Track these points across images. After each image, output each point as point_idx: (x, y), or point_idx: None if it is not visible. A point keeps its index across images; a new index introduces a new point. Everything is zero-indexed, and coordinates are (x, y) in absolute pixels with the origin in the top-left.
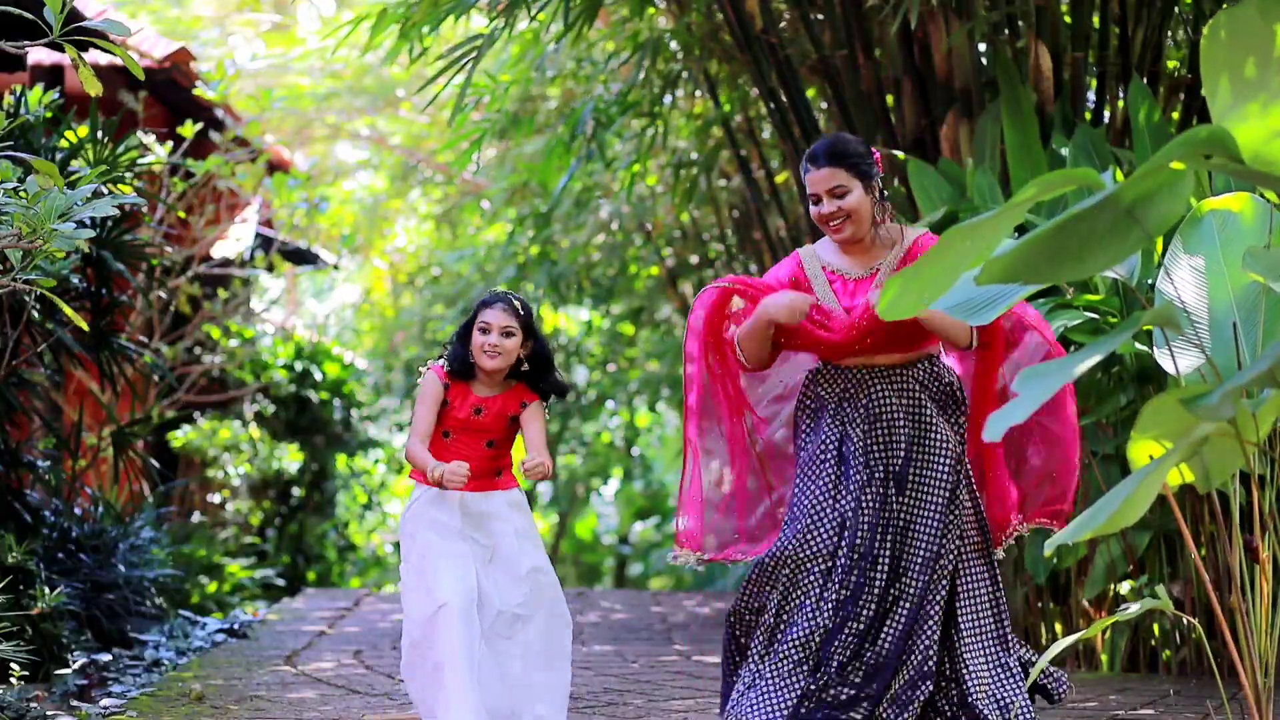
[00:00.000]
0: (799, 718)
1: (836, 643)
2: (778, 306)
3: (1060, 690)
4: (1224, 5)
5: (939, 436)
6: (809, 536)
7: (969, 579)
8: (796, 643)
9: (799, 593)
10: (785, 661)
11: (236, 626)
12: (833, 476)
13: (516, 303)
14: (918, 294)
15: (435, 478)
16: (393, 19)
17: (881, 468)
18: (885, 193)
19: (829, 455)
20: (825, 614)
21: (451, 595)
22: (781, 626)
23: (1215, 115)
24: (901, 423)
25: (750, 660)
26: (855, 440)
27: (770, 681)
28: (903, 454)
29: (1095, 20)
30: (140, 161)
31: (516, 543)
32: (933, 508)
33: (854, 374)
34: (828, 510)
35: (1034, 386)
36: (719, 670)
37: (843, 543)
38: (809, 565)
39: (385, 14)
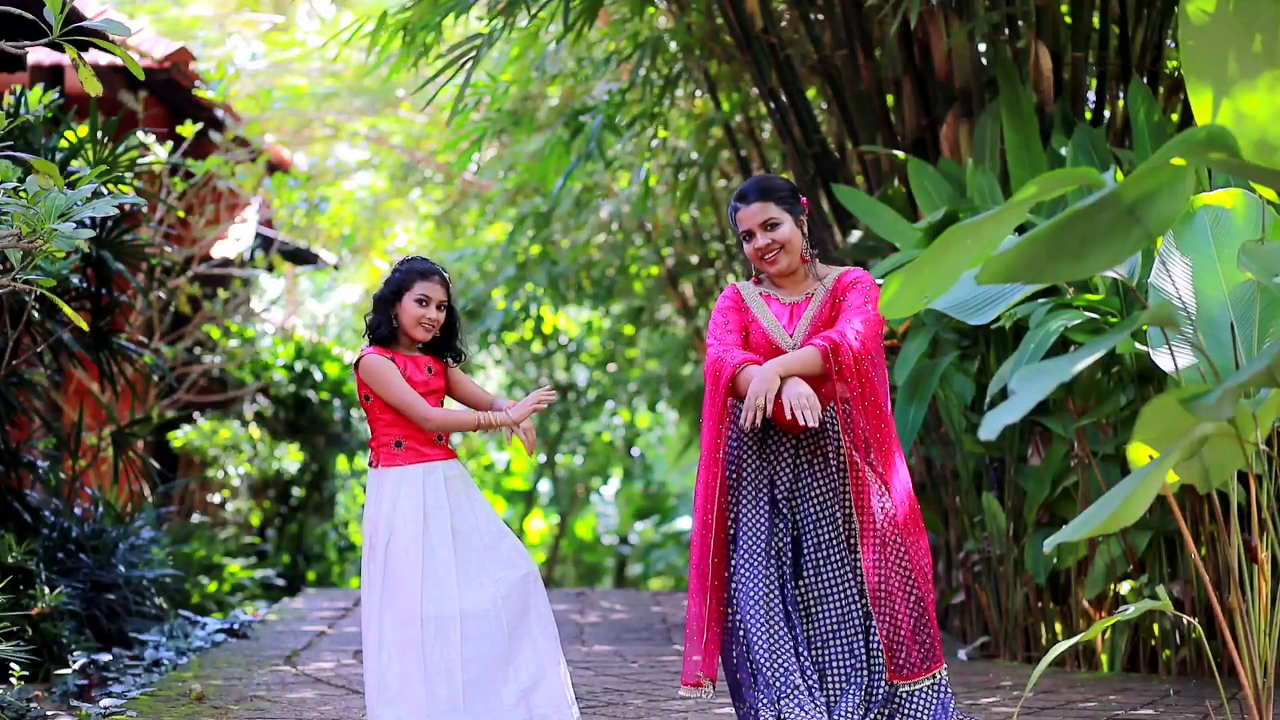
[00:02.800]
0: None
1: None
2: (764, 381)
3: None
4: None
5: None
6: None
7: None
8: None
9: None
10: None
11: (236, 626)
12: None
13: (443, 274)
14: (918, 292)
15: (515, 418)
16: (395, 24)
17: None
18: (809, 232)
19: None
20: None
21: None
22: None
23: (1195, 107)
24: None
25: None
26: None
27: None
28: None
29: (1095, 20)
30: (140, 161)
31: (480, 512)
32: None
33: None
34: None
35: (1031, 385)
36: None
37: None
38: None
39: (385, 18)
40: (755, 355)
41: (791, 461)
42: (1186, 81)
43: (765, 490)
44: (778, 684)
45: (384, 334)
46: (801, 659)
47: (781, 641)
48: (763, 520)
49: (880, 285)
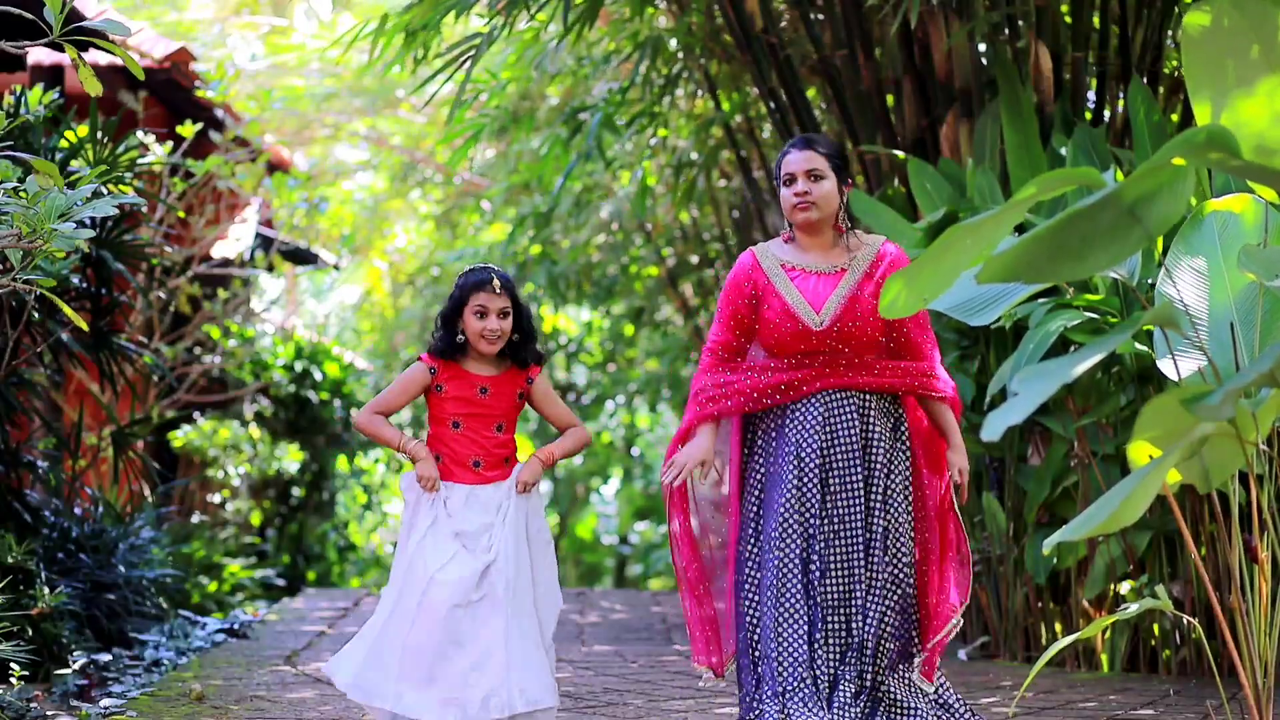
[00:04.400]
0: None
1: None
2: (689, 456)
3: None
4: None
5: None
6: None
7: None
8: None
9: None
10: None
11: (236, 626)
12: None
13: (503, 281)
14: (919, 293)
15: (417, 457)
16: (397, 26)
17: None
18: (849, 207)
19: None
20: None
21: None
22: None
23: (1196, 110)
24: (859, 433)
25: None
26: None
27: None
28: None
29: (1095, 20)
30: (140, 161)
31: (515, 547)
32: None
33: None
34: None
35: (1033, 386)
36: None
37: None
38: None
39: (387, 20)
40: (733, 404)
41: (820, 434)
42: (1188, 87)
43: (791, 465)
44: (784, 677)
45: (439, 348)
46: (815, 646)
47: (794, 628)
48: (790, 498)
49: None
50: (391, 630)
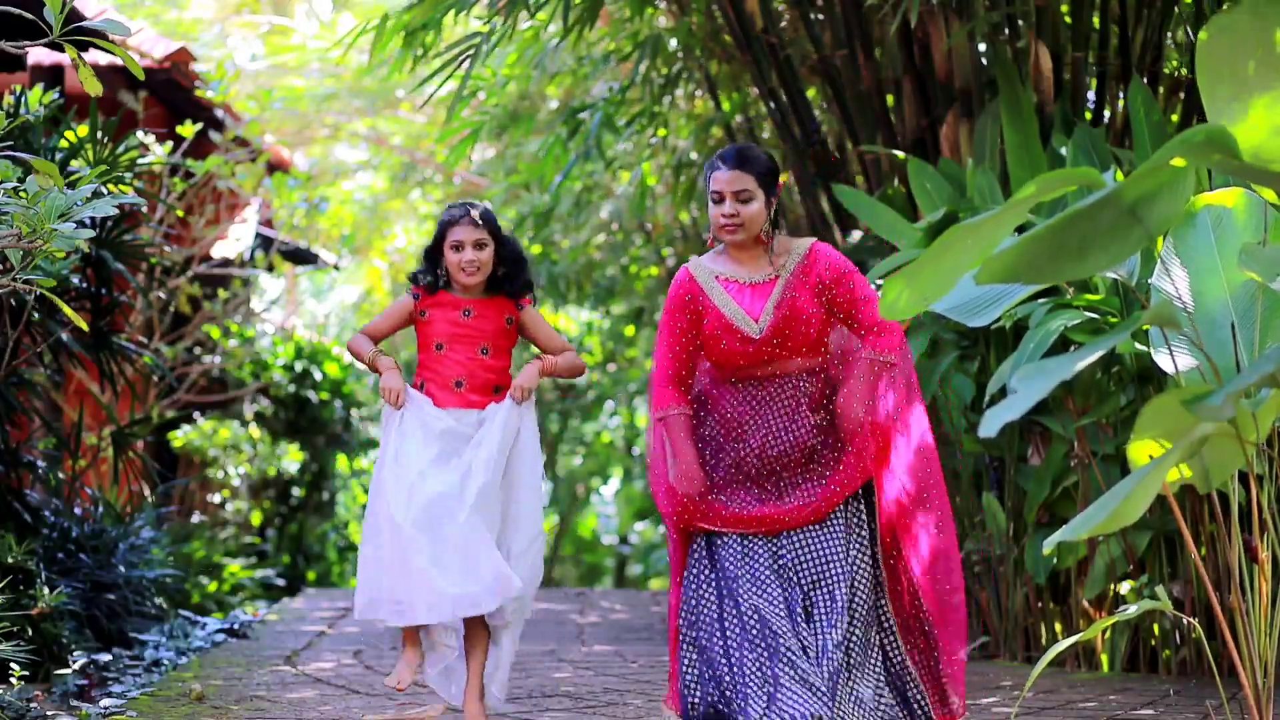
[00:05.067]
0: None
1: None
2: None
3: None
4: (1224, 5)
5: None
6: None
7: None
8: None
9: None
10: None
11: (236, 626)
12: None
13: (479, 213)
14: (919, 293)
15: (384, 369)
16: (396, 26)
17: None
18: (780, 213)
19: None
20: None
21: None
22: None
23: (1211, 116)
24: (804, 427)
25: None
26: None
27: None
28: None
29: (1095, 20)
30: (140, 161)
31: (496, 454)
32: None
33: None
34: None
35: (1031, 384)
36: None
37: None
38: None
39: (387, 20)
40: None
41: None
42: (1202, 95)
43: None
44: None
45: (424, 281)
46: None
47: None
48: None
49: (853, 265)
50: (372, 548)
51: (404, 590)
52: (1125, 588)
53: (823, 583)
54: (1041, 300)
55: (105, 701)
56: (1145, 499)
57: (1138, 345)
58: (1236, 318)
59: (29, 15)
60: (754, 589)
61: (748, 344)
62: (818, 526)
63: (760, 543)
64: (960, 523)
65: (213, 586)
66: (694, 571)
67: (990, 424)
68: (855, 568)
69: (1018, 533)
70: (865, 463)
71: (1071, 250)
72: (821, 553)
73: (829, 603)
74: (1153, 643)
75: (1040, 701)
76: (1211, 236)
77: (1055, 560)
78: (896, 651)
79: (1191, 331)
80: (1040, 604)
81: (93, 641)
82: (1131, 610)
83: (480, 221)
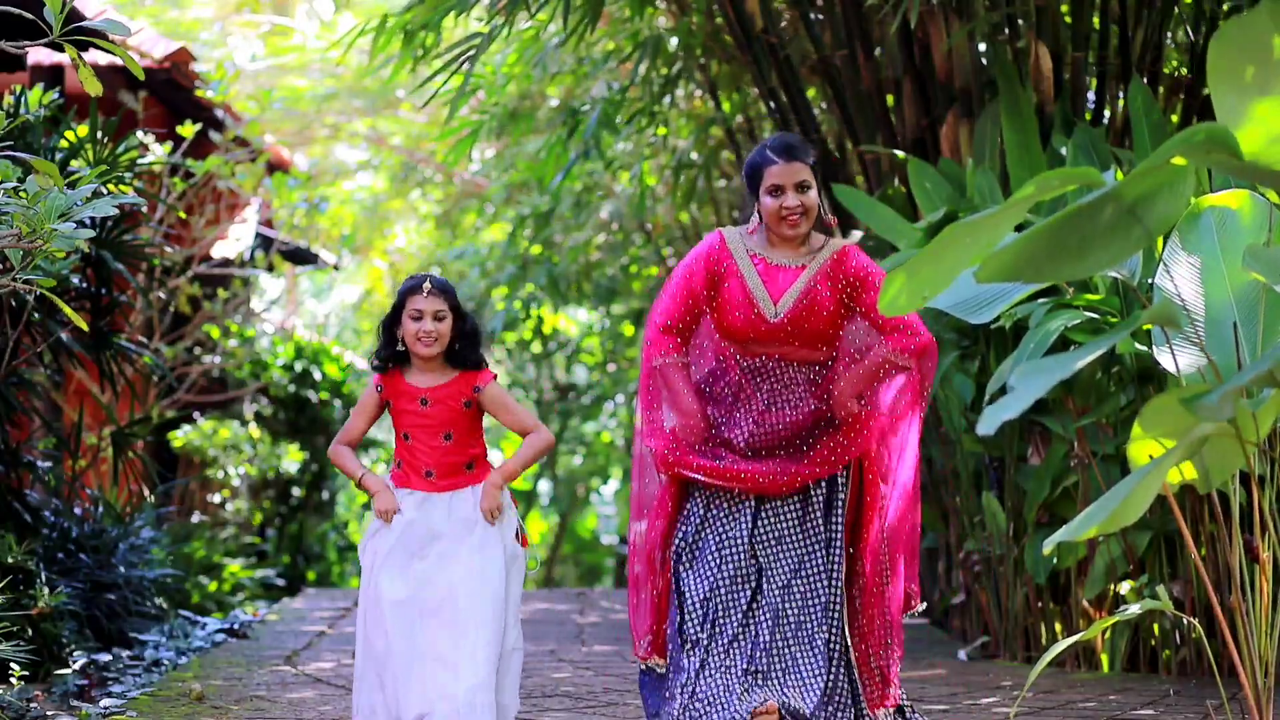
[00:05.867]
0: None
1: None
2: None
3: None
4: (1224, 6)
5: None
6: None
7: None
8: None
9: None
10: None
11: (236, 626)
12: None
13: (436, 285)
14: (918, 290)
15: (373, 491)
16: (397, 25)
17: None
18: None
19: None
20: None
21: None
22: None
23: (1220, 118)
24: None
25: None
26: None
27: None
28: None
29: (1095, 20)
30: (140, 161)
31: (480, 562)
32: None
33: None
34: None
35: (1030, 382)
36: None
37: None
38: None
39: (387, 20)
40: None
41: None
42: (1213, 99)
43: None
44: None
45: (381, 357)
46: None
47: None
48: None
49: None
50: (360, 650)
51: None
52: (1125, 588)
53: (802, 570)
54: (1041, 300)
55: (105, 701)
56: (1145, 499)
57: (1138, 345)
58: (1240, 318)
59: (29, 15)
60: (720, 559)
61: (761, 323)
62: (799, 509)
63: (745, 514)
64: (960, 523)
65: (213, 586)
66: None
67: (988, 422)
68: (833, 554)
69: (1018, 533)
70: (852, 446)
71: (1072, 249)
72: (801, 538)
73: (807, 586)
74: (1153, 643)
75: (1040, 701)
76: (1215, 237)
77: (1055, 560)
78: (840, 637)
79: (1193, 332)
80: (1040, 604)
81: (93, 641)
82: (1131, 610)
83: (440, 292)
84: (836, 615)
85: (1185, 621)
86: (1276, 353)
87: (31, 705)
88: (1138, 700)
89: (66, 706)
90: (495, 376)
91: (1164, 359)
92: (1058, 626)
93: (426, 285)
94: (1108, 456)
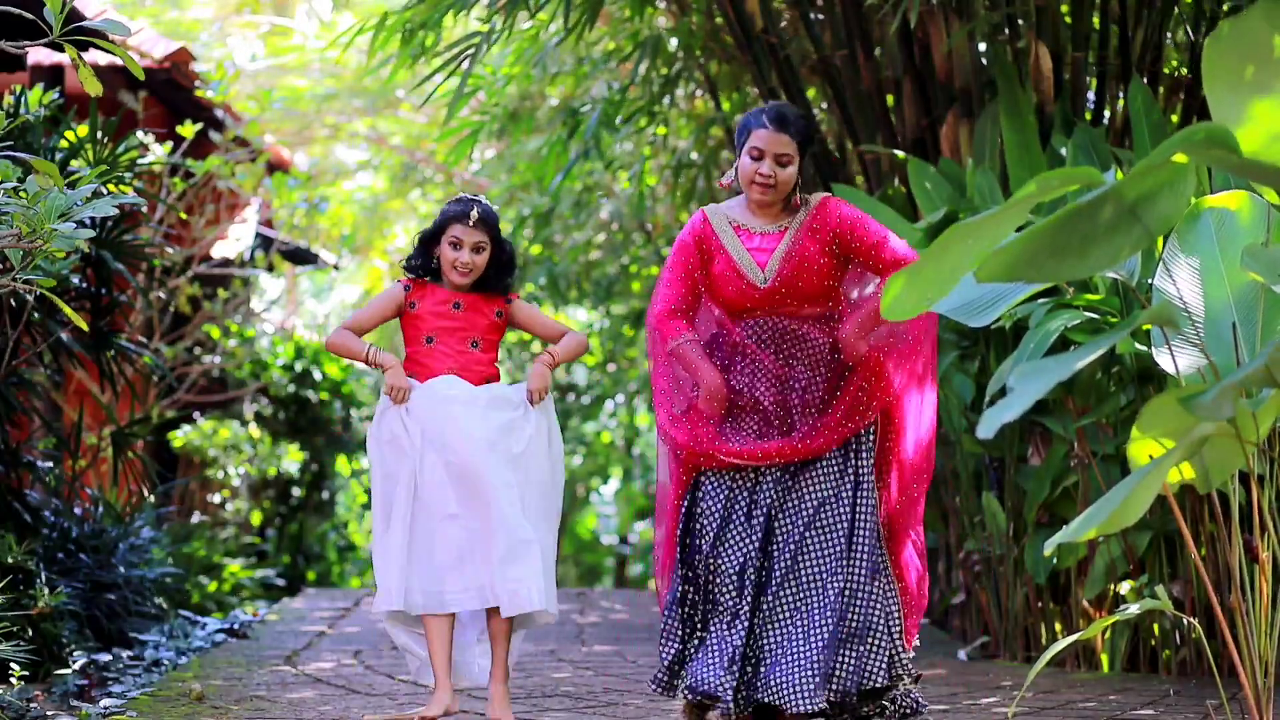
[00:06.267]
0: None
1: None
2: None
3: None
4: (1224, 6)
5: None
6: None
7: None
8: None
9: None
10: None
11: (236, 626)
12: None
13: (481, 213)
14: (920, 293)
15: (387, 365)
16: (397, 24)
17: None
18: (803, 179)
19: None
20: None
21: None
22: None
23: (1218, 118)
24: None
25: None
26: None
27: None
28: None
29: (1095, 20)
30: (140, 161)
31: (528, 450)
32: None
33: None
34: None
35: (1030, 383)
36: None
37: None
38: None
39: (387, 19)
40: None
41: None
42: (1209, 100)
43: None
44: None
45: (414, 266)
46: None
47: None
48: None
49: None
50: (382, 542)
51: (430, 579)
52: (1125, 588)
53: (817, 521)
54: (1041, 300)
55: (105, 701)
56: (1146, 500)
57: (1138, 345)
58: (1238, 319)
59: (29, 15)
60: (722, 525)
61: (754, 290)
62: (815, 471)
63: (747, 477)
64: (960, 523)
65: (213, 586)
66: (705, 506)
67: (988, 424)
68: (863, 494)
69: (1018, 533)
70: (872, 397)
71: (1073, 248)
72: (816, 498)
73: (819, 553)
74: (1153, 643)
75: (1040, 701)
76: (1214, 237)
77: (1055, 560)
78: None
79: (1193, 332)
80: (1040, 604)
81: (93, 641)
82: (1131, 610)
83: (485, 223)
84: (867, 559)
85: (1185, 621)
86: (1272, 350)
87: (31, 705)
88: (1138, 700)
89: (66, 706)
90: (518, 295)
91: (1163, 360)
92: (1058, 626)
93: (473, 214)
94: (1108, 456)
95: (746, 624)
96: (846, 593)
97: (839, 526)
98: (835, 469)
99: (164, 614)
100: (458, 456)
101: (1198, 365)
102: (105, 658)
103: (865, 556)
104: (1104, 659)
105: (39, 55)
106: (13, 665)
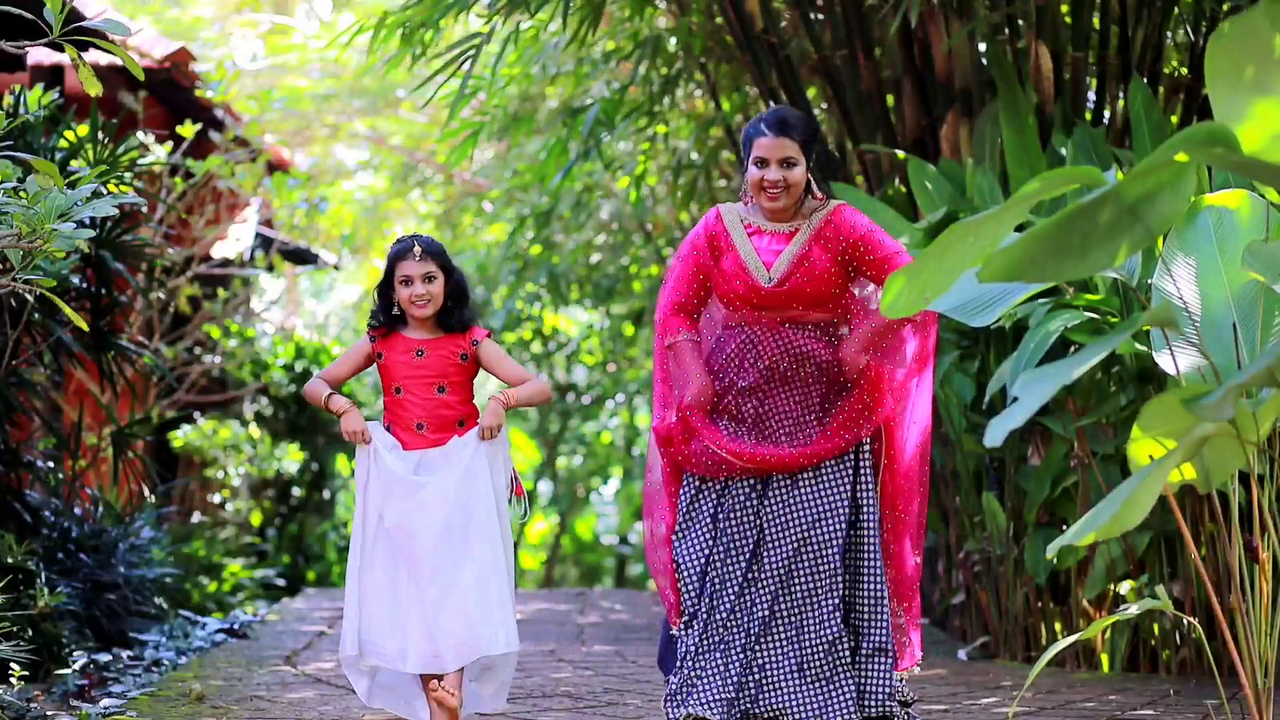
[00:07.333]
0: None
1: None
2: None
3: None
4: (1224, 6)
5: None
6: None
7: None
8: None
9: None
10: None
11: (236, 626)
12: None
13: (424, 247)
14: (920, 292)
15: (339, 411)
16: (396, 23)
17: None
18: (815, 175)
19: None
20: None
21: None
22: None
23: (1219, 118)
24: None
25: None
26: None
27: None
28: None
29: (1095, 20)
30: (140, 161)
31: (470, 493)
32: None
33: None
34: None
35: (1033, 389)
36: None
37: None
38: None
39: (386, 18)
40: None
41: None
42: (1211, 98)
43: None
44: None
45: (378, 321)
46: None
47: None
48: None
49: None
50: (352, 589)
51: (391, 636)
52: (1125, 588)
53: (812, 537)
54: (1041, 300)
55: (105, 701)
56: (1147, 502)
57: (1138, 345)
58: (1238, 318)
59: (29, 15)
60: (715, 531)
61: (757, 290)
62: (812, 484)
63: (743, 498)
64: (960, 523)
65: (213, 586)
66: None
67: (995, 433)
68: (865, 516)
69: (1018, 533)
70: (871, 415)
71: (1073, 248)
72: (811, 513)
73: (812, 569)
74: (1153, 643)
75: (1040, 701)
76: (1213, 237)
77: (1055, 560)
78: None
79: (1193, 332)
80: (1040, 604)
81: (93, 641)
82: (1131, 610)
83: (429, 254)
84: (868, 578)
85: (1185, 621)
86: (1275, 351)
87: (31, 705)
88: (1138, 700)
89: (66, 706)
90: (490, 333)
91: (1163, 361)
92: (1058, 626)
93: (416, 248)
94: (1108, 456)
95: (741, 644)
96: (840, 612)
97: (833, 543)
98: (830, 484)
99: (164, 614)
100: (401, 534)
101: (1198, 365)
102: (105, 658)
103: (868, 576)
104: (1104, 659)
105: (39, 55)
106: (13, 665)
